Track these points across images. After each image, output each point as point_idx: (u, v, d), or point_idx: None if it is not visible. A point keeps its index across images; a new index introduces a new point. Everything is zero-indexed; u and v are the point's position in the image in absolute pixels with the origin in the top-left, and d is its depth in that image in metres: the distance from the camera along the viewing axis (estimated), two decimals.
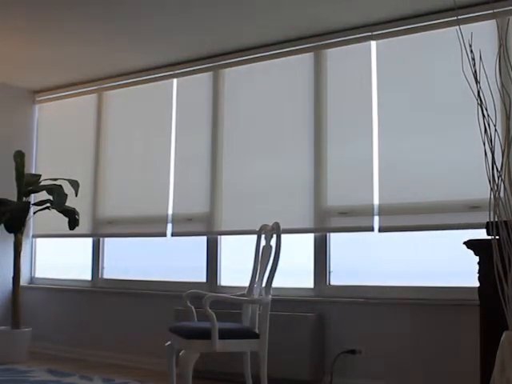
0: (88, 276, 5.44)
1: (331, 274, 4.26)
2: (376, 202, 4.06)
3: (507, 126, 2.56)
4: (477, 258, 3.02)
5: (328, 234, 4.28)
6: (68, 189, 5.04)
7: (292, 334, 4.03)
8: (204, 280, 4.77)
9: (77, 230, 5.07)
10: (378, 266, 4.12)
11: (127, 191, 5.25)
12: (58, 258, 5.74)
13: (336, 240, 4.28)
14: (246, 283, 3.89)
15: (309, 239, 4.34)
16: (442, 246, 3.86)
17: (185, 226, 4.88)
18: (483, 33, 3.66)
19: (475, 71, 2.61)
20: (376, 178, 4.08)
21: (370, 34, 4.19)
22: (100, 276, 5.38)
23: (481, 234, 3.05)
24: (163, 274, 5.01)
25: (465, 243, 3.05)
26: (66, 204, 5.00)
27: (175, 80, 5.10)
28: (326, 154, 4.30)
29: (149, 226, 5.08)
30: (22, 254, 5.18)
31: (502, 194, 2.49)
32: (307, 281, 4.31)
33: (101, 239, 5.40)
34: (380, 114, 4.12)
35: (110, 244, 5.40)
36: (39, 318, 5.46)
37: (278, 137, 4.52)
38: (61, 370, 4.54)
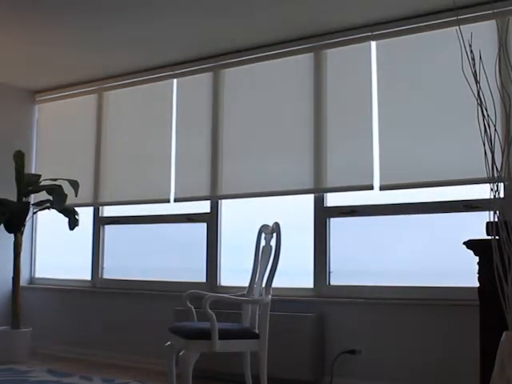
0: (88, 276, 5.44)
1: (331, 274, 4.27)
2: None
3: (507, 126, 2.56)
4: (477, 258, 3.02)
5: (328, 234, 4.28)
6: (68, 189, 5.04)
7: (292, 334, 4.03)
8: (204, 280, 4.78)
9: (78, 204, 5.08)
10: (378, 266, 4.12)
11: (127, 191, 5.25)
12: (58, 258, 5.73)
13: (336, 240, 4.28)
14: (246, 283, 3.90)
15: (309, 239, 4.34)
16: (441, 245, 3.86)
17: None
18: (483, 33, 3.66)
19: (475, 71, 2.62)
20: (377, 179, 4.08)
21: (370, 34, 4.19)
22: (100, 276, 5.38)
23: (480, 232, 3.05)
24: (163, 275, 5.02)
25: (465, 243, 3.05)
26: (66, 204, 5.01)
27: (175, 80, 5.10)
28: (326, 154, 4.30)
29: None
30: (21, 254, 5.18)
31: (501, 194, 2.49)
32: (307, 281, 4.31)
33: (101, 239, 5.40)
34: (380, 114, 4.11)
35: (110, 244, 5.41)
36: (39, 318, 5.46)
37: (278, 137, 4.52)
38: (61, 370, 4.54)
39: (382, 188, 4.06)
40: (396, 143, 4.03)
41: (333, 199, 4.31)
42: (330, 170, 4.26)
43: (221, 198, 4.76)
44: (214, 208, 4.79)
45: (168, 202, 5.02)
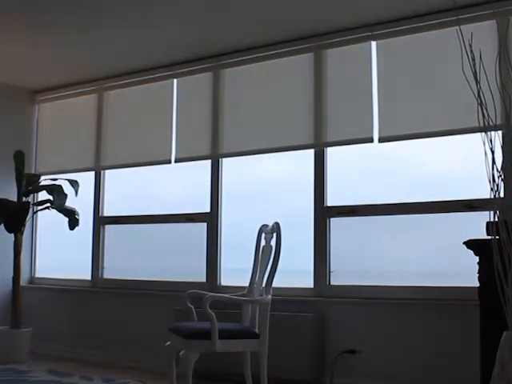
0: (88, 276, 5.43)
1: (331, 273, 4.26)
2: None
3: (507, 126, 2.56)
4: (477, 258, 3.02)
5: (328, 234, 4.28)
6: (68, 189, 5.05)
7: (292, 334, 4.03)
8: (204, 280, 4.77)
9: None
10: (378, 266, 4.12)
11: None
12: (58, 258, 5.73)
13: (336, 240, 4.28)
14: (246, 283, 3.90)
15: (309, 238, 4.33)
16: (441, 245, 3.86)
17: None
18: (483, 33, 3.66)
19: (475, 71, 2.61)
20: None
21: (369, 34, 4.19)
22: (100, 276, 5.37)
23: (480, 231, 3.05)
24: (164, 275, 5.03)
25: (465, 243, 3.05)
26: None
27: (175, 80, 5.10)
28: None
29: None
30: (21, 253, 5.18)
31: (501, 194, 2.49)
32: (307, 281, 4.31)
33: (101, 239, 5.39)
34: (380, 114, 4.11)
35: (110, 244, 5.41)
36: (39, 318, 5.46)
37: (278, 137, 4.52)
38: (61, 370, 4.54)
39: (381, 140, 4.07)
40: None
41: (333, 199, 4.31)
42: (329, 125, 4.29)
43: (222, 157, 4.78)
44: (215, 208, 4.79)
45: (169, 162, 5.02)
